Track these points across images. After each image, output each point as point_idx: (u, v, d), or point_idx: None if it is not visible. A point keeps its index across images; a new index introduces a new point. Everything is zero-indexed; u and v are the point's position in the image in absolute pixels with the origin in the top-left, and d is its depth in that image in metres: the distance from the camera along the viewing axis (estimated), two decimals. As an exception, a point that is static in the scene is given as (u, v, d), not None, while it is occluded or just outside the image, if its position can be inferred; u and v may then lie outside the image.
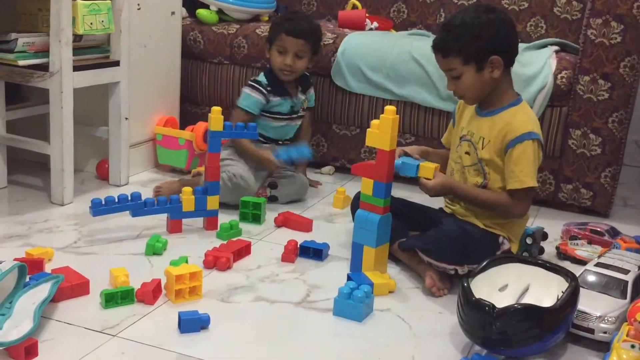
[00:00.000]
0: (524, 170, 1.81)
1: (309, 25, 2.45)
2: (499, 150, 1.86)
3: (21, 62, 2.16)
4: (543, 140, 1.87)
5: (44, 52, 2.18)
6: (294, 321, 1.67)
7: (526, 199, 1.86)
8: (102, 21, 2.25)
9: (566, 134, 2.48)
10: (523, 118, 1.86)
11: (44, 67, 2.18)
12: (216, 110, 2.10)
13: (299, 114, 2.54)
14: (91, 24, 2.22)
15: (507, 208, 1.86)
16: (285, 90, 2.47)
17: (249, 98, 2.43)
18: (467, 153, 1.93)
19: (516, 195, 1.84)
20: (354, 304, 1.67)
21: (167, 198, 2.10)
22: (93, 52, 2.37)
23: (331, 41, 2.73)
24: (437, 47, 1.87)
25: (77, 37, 2.25)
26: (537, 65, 2.46)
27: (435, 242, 1.86)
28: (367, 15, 3.00)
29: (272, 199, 2.40)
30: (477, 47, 1.81)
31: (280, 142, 2.52)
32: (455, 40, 1.82)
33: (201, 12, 2.89)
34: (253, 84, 2.45)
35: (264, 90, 2.43)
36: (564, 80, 2.44)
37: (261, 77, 2.47)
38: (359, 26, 2.95)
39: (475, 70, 1.83)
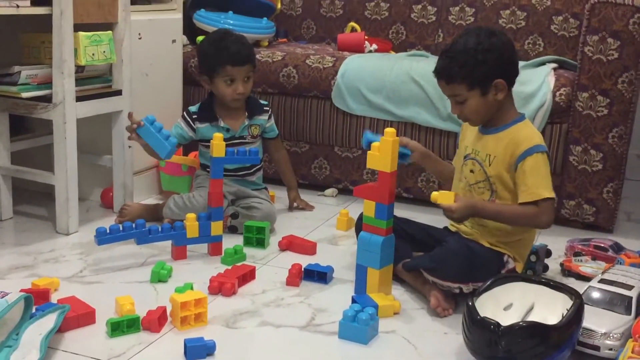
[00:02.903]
0: (537, 183, 1.81)
1: (246, 47, 2.39)
2: (509, 166, 1.86)
3: (25, 95, 2.19)
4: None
5: (47, 83, 2.21)
6: (300, 345, 1.67)
7: (549, 208, 1.84)
8: (104, 52, 2.28)
9: (567, 151, 2.49)
10: (529, 132, 1.87)
11: (47, 99, 2.20)
12: (218, 137, 2.12)
13: (245, 141, 2.42)
14: (93, 54, 2.24)
15: (533, 219, 1.83)
16: (214, 116, 2.40)
17: (177, 128, 2.42)
18: (471, 171, 1.94)
19: (541, 205, 1.82)
20: (359, 326, 1.67)
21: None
22: (95, 82, 2.40)
23: (331, 64, 2.76)
24: (440, 74, 1.87)
25: (79, 68, 2.27)
26: (535, 83, 2.48)
27: (439, 261, 1.86)
28: (366, 37, 3.03)
29: (232, 230, 2.34)
30: (482, 73, 1.82)
31: (240, 175, 2.44)
32: (459, 67, 1.82)
33: (202, 39, 2.91)
34: (184, 113, 2.45)
35: (188, 119, 2.41)
36: (562, 97, 2.46)
37: (194, 107, 2.45)
38: (358, 49, 2.97)
39: (480, 95, 1.84)
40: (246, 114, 2.44)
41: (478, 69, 1.82)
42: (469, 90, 1.84)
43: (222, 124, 2.40)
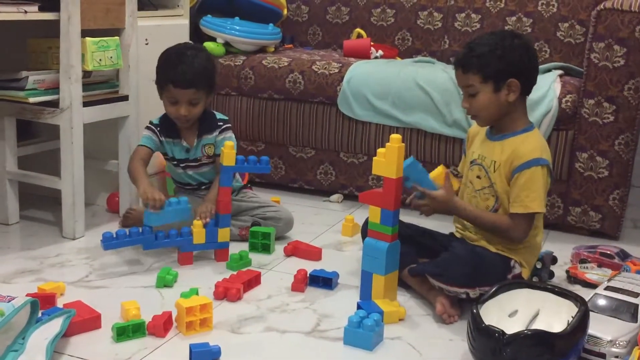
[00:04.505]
0: (530, 196, 1.82)
1: (195, 70, 2.19)
2: (508, 175, 1.87)
3: (32, 100, 2.20)
4: (552, 166, 1.89)
5: (54, 89, 2.22)
6: (305, 351, 1.67)
7: (526, 224, 1.86)
8: (111, 57, 2.29)
9: (573, 157, 2.48)
10: (532, 144, 1.87)
11: (54, 104, 2.22)
12: (229, 145, 2.12)
13: (202, 162, 2.31)
14: (100, 60, 2.25)
15: (505, 231, 1.87)
16: (176, 133, 2.29)
17: (144, 136, 2.29)
18: (478, 177, 1.94)
19: (517, 219, 1.85)
20: (364, 332, 1.67)
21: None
22: (102, 87, 2.41)
23: (337, 70, 2.76)
24: (458, 62, 1.91)
25: (86, 74, 2.28)
26: (541, 89, 2.48)
27: (445, 266, 1.86)
28: (372, 43, 3.04)
29: None
30: (498, 68, 1.84)
31: (203, 187, 2.35)
32: (477, 57, 1.85)
33: (208, 45, 2.92)
34: (147, 125, 2.32)
35: (154, 129, 2.29)
36: (568, 104, 2.45)
37: (156, 120, 2.32)
38: (364, 55, 2.98)
39: (492, 90, 1.86)
40: (197, 132, 2.30)
41: (495, 63, 1.84)
42: (482, 83, 1.86)
43: (184, 143, 2.30)
